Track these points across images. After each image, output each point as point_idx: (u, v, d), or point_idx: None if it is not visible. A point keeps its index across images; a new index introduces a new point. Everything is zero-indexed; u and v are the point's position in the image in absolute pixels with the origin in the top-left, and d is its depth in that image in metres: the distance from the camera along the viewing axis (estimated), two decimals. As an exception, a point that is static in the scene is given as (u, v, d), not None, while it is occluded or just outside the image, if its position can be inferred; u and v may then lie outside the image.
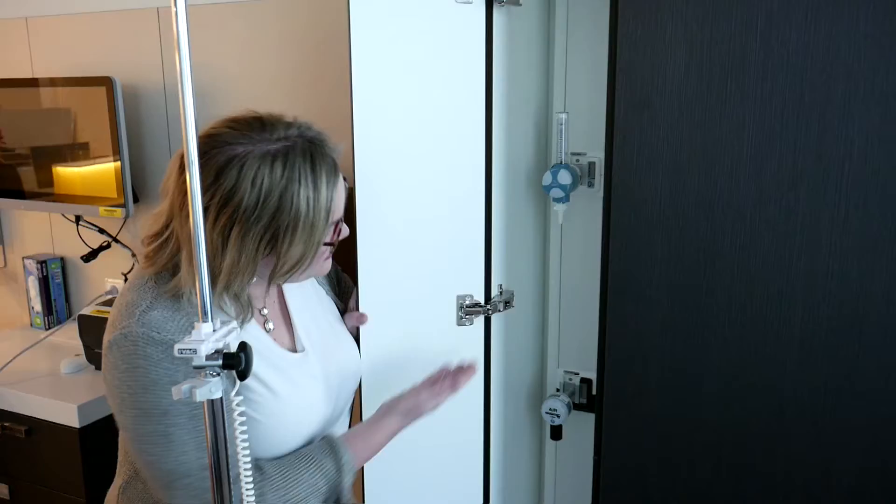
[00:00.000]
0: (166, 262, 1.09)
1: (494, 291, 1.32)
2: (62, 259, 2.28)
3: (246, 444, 0.95)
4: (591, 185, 1.41)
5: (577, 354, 1.50)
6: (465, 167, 1.23)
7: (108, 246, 2.13)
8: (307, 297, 1.29)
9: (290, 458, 1.13)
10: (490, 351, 1.32)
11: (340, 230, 1.17)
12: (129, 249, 2.12)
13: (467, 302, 1.28)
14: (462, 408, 1.32)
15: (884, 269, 1.02)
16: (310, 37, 1.83)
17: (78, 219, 2.11)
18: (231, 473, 0.92)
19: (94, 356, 1.94)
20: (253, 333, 1.14)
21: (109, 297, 2.11)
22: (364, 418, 1.22)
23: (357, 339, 1.30)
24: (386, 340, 1.25)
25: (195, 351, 0.86)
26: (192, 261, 1.05)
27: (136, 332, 1.05)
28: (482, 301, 1.29)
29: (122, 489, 1.18)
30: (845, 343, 1.06)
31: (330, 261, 1.19)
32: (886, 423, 1.06)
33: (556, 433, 1.46)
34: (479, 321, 1.30)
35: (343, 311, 1.35)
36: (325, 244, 1.13)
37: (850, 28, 0.99)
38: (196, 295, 1.02)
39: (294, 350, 1.20)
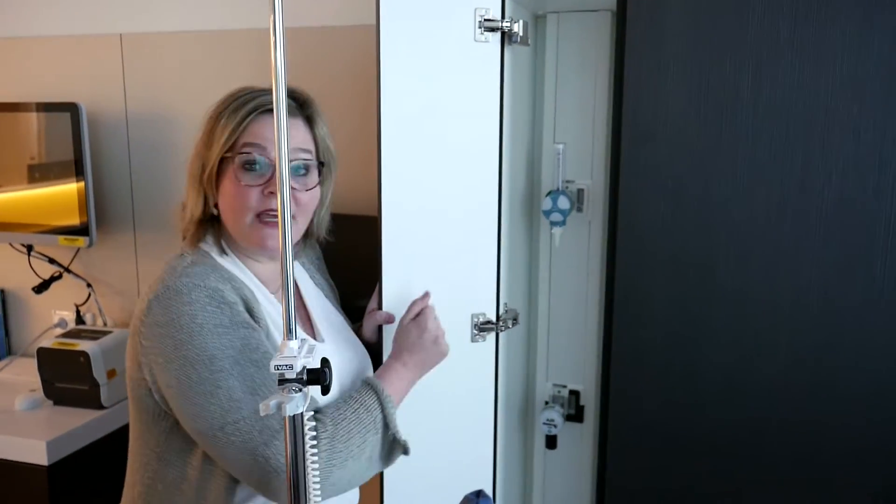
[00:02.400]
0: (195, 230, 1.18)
1: (501, 310, 1.40)
2: (2, 291, 2.16)
3: (314, 455, 0.98)
4: (580, 209, 1.53)
5: (565, 367, 1.61)
6: (480, 193, 1.32)
7: (60, 276, 2.05)
8: (321, 298, 1.33)
9: (339, 406, 1.11)
10: (498, 366, 1.41)
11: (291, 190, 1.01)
12: (84, 280, 2.04)
13: (481, 320, 1.35)
14: (472, 422, 1.39)
15: (857, 279, 1.19)
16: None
17: (30, 249, 2.01)
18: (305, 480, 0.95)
19: (53, 390, 1.85)
20: (278, 310, 1.18)
21: (61, 329, 2.02)
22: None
23: (379, 345, 1.34)
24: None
25: (291, 367, 0.89)
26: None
27: (179, 282, 1.09)
28: (493, 319, 1.37)
29: (142, 495, 1.16)
30: (829, 347, 1.21)
31: (266, 233, 1.14)
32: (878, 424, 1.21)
33: (552, 442, 1.56)
34: (490, 338, 1.38)
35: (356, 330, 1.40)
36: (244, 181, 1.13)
37: (829, 72, 1.16)
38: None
39: (314, 338, 1.25)
